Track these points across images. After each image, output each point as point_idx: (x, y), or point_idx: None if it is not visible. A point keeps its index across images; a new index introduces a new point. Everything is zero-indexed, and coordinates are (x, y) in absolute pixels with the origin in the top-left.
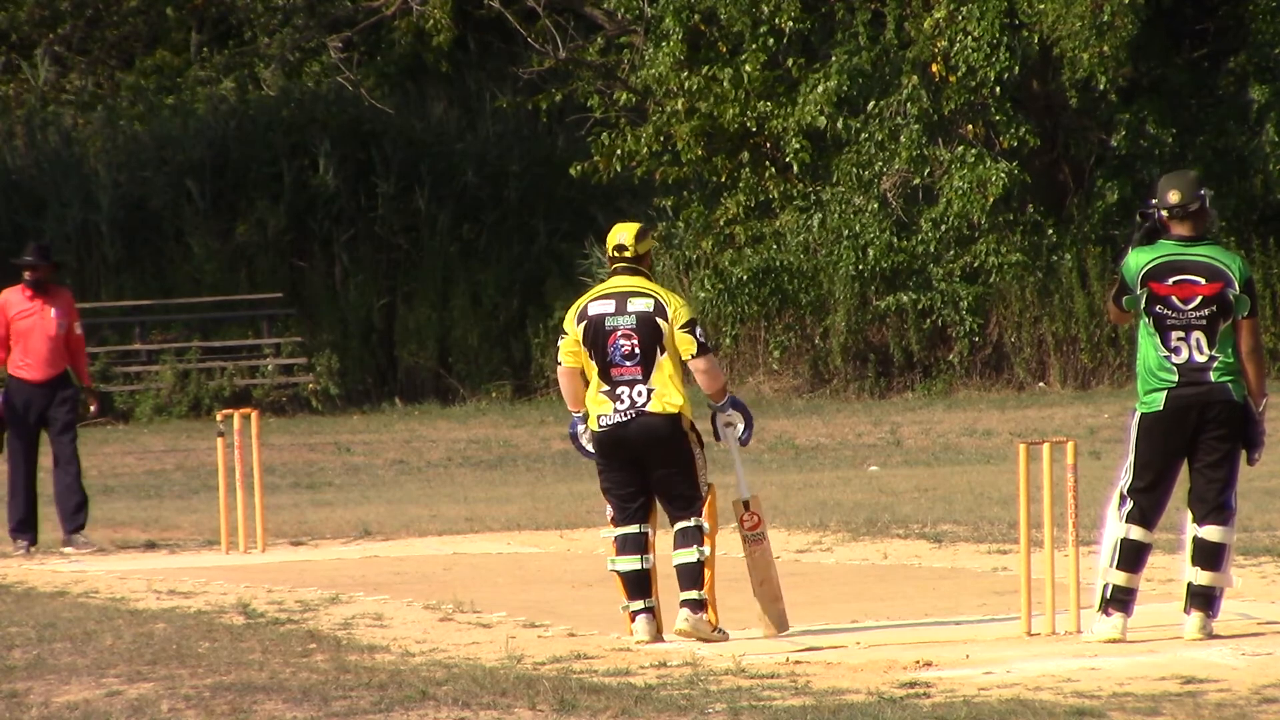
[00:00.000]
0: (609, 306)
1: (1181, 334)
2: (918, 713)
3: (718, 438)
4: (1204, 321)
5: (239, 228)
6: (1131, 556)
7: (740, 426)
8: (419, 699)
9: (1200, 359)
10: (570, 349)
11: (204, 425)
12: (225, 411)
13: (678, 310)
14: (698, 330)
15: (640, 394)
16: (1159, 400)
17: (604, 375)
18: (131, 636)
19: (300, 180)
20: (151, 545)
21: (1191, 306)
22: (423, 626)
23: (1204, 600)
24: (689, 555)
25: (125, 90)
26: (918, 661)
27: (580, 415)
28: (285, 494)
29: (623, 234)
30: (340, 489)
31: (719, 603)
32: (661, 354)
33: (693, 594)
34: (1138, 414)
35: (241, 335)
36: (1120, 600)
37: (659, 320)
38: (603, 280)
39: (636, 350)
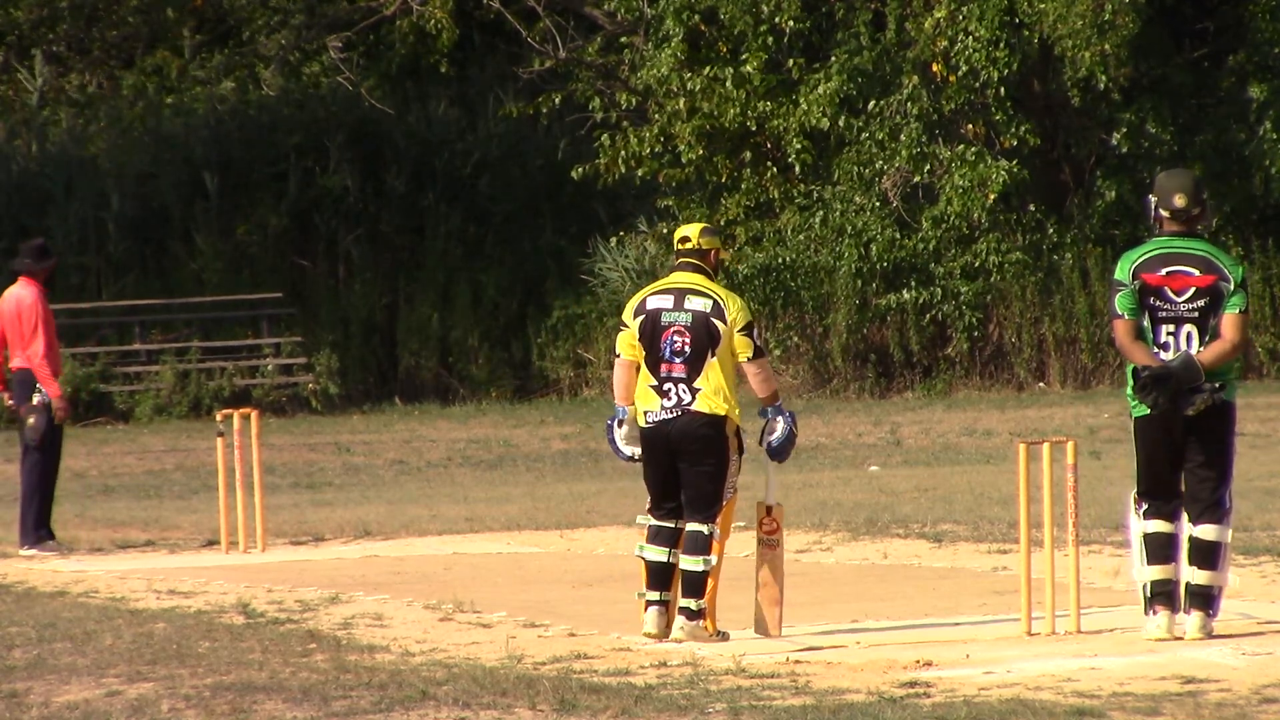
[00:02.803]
0: (668, 302)
1: (1172, 328)
2: (918, 713)
3: (761, 443)
4: (1196, 314)
5: (239, 228)
6: (1159, 549)
7: (779, 433)
8: (419, 699)
9: None
10: (629, 342)
11: (204, 425)
12: (225, 411)
13: (737, 313)
14: (754, 333)
15: (686, 392)
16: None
17: (653, 370)
18: (131, 636)
19: (305, 180)
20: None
21: (1184, 298)
22: (423, 626)
23: (1203, 599)
24: (695, 564)
25: (126, 89)
26: (918, 661)
27: (622, 410)
28: (285, 494)
29: (689, 228)
30: (340, 489)
31: (721, 602)
32: (712, 355)
33: (690, 603)
34: (1135, 418)
35: (241, 335)
36: (1162, 595)
37: (715, 321)
38: (662, 276)
39: (687, 348)
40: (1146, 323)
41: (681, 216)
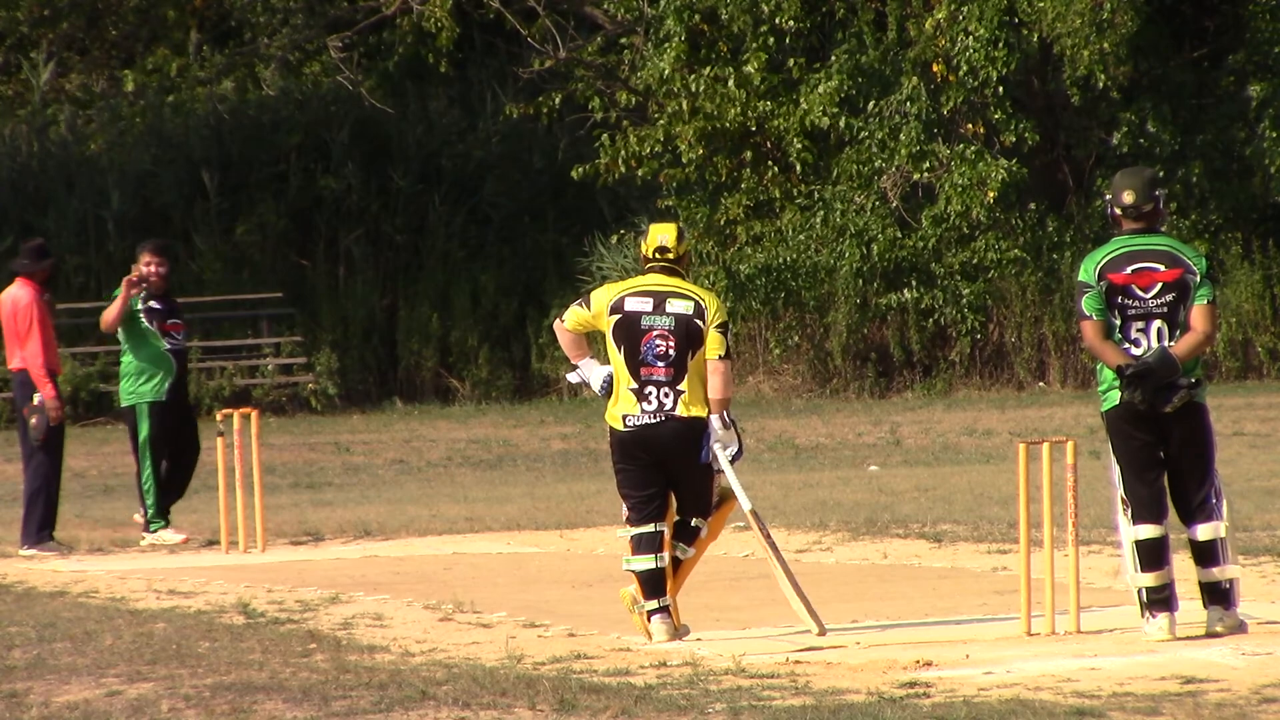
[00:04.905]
0: (646, 305)
1: (1142, 324)
2: (918, 713)
3: (711, 454)
4: (1165, 309)
5: (239, 228)
6: (1151, 555)
7: (734, 449)
8: (419, 699)
9: None
10: (584, 322)
11: (204, 425)
12: (225, 411)
13: (716, 311)
14: (728, 333)
15: (668, 396)
16: (1117, 395)
17: (633, 372)
18: (131, 636)
19: (305, 180)
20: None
21: (1153, 294)
22: (423, 626)
23: (1219, 594)
24: (679, 552)
25: (129, 87)
26: (918, 661)
27: (581, 365)
28: (285, 494)
29: (664, 236)
30: (340, 489)
31: (720, 601)
32: (692, 357)
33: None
34: (1104, 413)
35: (241, 335)
36: (1157, 600)
37: (697, 322)
38: (638, 275)
39: (671, 352)
40: (1116, 321)
41: (681, 217)
